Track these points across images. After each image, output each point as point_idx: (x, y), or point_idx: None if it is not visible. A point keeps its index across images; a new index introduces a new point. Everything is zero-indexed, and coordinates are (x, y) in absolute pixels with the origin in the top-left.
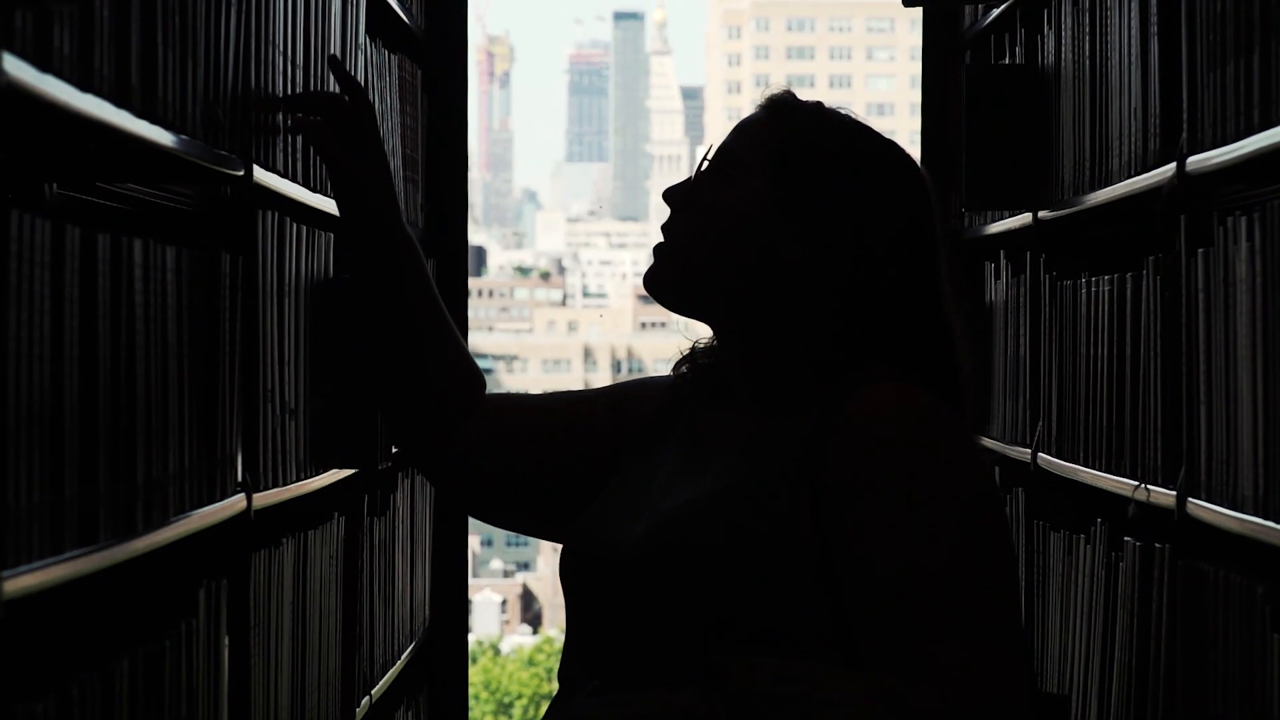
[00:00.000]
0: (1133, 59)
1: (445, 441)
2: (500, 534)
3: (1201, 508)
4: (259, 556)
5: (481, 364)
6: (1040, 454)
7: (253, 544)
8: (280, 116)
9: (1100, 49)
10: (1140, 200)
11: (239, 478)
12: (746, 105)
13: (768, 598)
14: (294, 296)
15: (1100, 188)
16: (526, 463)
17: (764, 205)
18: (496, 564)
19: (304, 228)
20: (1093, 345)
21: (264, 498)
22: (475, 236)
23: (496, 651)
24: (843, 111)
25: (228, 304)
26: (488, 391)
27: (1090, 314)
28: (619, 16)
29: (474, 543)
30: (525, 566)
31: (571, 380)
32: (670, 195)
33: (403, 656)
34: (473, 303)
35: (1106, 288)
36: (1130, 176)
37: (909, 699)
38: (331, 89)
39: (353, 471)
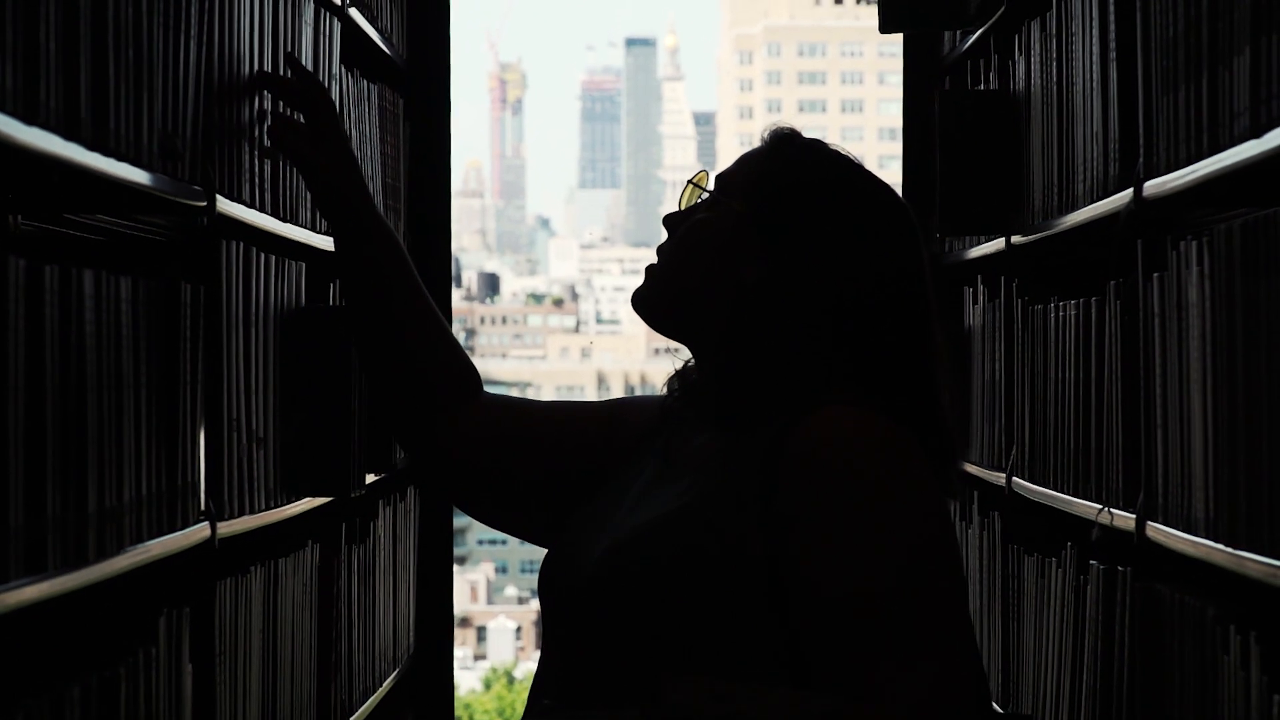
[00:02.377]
0: (1093, 84)
1: (435, 432)
2: (515, 561)
3: (1159, 531)
4: (225, 584)
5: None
6: (1014, 478)
7: (217, 572)
8: (246, 128)
9: (1065, 74)
10: (1103, 225)
11: (202, 506)
12: (759, 130)
13: (718, 618)
14: (262, 326)
15: (1067, 213)
16: (518, 464)
17: (736, 227)
18: (511, 590)
19: (272, 257)
20: (1061, 369)
21: (230, 526)
22: (488, 264)
23: (511, 679)
24: (840, 151)
25: (188, 334)
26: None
27: (1058, 338)
28: (631, 43)
29: (488, 569)
30: None
31: None
32: (668, 220)
33: (384, 684)
34: (486, 329)
35: (1073, 312)
36: (1093, 201)
37: (849, 718)
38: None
39: (327, 500)
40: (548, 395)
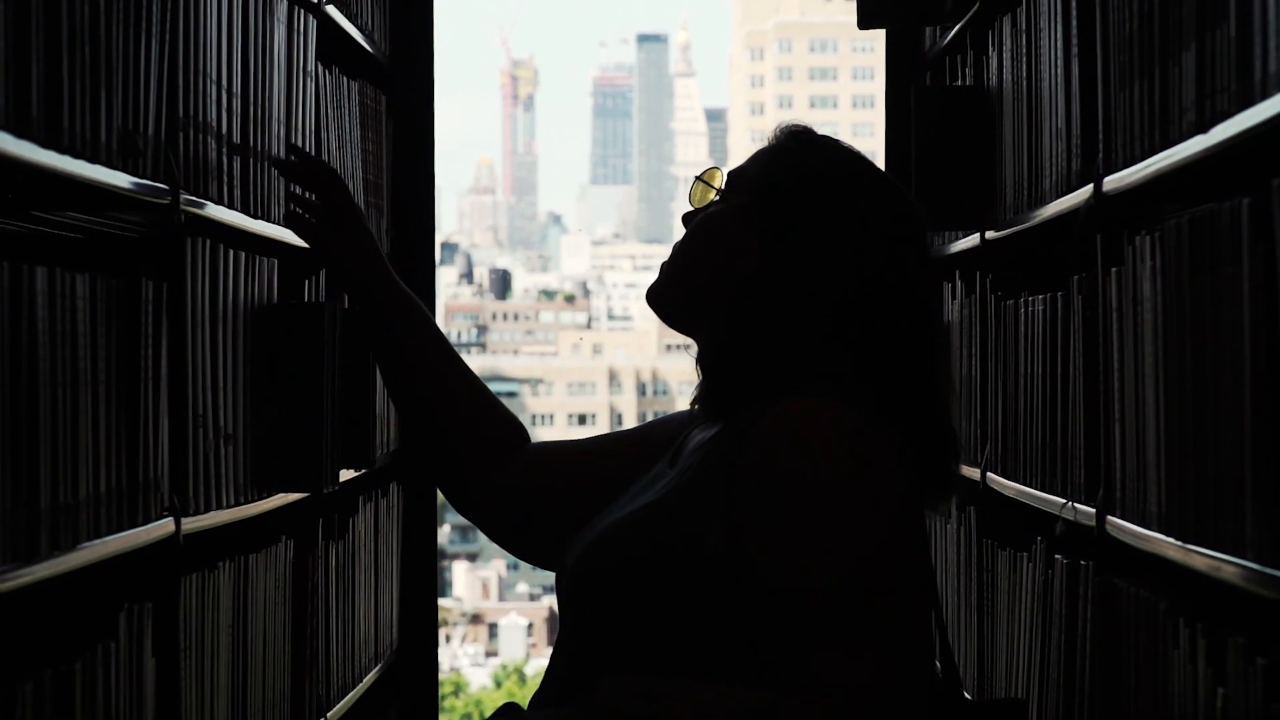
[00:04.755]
0: (1058, 80)
1: (470, 489)
2: None
3: (1117, 525)
4: (191, 580)
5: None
6: (989, 473)
7: (183, 567)
8: (214, 126)
9: (1033, 70)
10: (1067, 220)
11: (166, 502)
12: (770, 126)
13: (685, 611)
14: (231, 322)
15: (1036, 208)
16: (559, 508)
17: (738, 220)
18: (523, 587)
19: (242, 254)
20: (1029, 364)
21: (196, 521)
22: (500, 260)
23: (522, 676)
24: (851, 148)
25: (151, 331)
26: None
27: (1027, 333)
28: (643, 39)
29: (500, 566)
30: (552, 589)
31: (596, 402)
32: (684, 217)
33: (365, 679)
34: (497, 326)
35: (1039, 307)
36: (1059, 196)
37: (783, 711)
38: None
39: (303, 496)
40: (559, 392)
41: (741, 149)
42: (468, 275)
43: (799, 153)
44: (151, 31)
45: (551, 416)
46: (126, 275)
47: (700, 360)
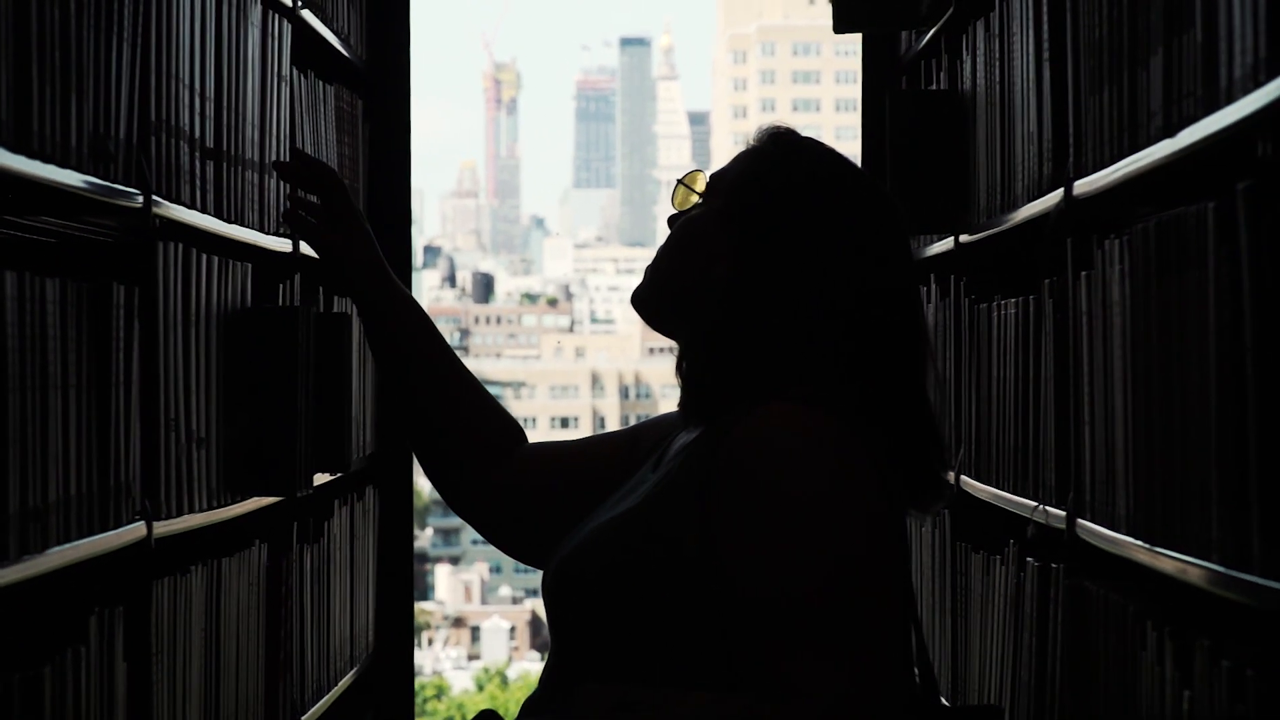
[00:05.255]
0: (1029, 84)
1: (468, 489)
2: (509, 561)
3: (1086, 528)
4: (163, 584)
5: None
6: (963, 476)
7: (154, 571)
8: (186, 131)
9: (1005, 75)
10: (1039, 224)
11: (137, 506)
12: (753, 130)
13: (663, 616)
14: (203, 327)
15: (1009, 212)
16: (553, 508)
17: (717, 223)
18: (505, 591)
19: (215, 259)
20: (1002, 367)
21: (168, 525)
22: (483, 263)
23: (504, 679)
24: (834, 151)
25: (122, 335)
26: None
27: (1000, 336)
28: (625, 42)
29: (482, 570)
30: (534, 593)
31: (579, 406)
32: (669, 220)
33: (341, 683)
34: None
35: (1012, 311)
36: (1031, 200)
37: (757, 718)
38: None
39: (277, 500)
40: (541, 395)
41: (724, 152)
42: (450, 279)
43: (779, 155)
44: (123, 35)
45: (534, 420)
46: (97, 279)
47: (680, 364)
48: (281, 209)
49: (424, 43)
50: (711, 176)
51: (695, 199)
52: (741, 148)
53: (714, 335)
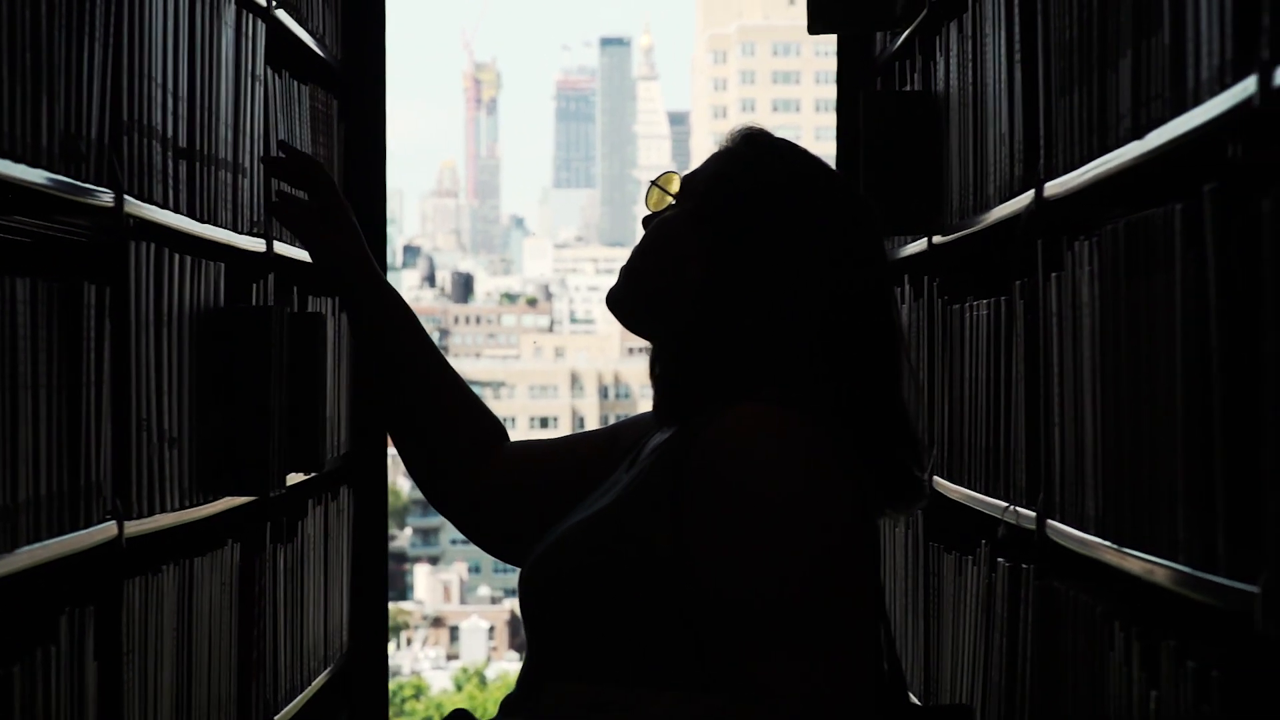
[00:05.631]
0: (1001, 86)
1: (452, 488)
2: (488, 561)
3: (1056, 528)
4: (134, 583)
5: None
6: (935, 477)
7: (125, 571)
8: (159, 130)
9: (978, 76)
10: (1011, 225)
11: (108, 505)
12: (730, 130)
13: (635, 616)
14: (176, 326)
15: (981, 213)
16: (534, 506)
17: (690, 224)
18: (484, 591)
19: (188, 258)
20: (974, 368)
21: (139, 525)
22: (462, 263)
23: (483, 679)
24: (807, 151)
25: (94, 335)
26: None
27: (972, 337)
28: (606, 42)
29: (461, 569)
30: (513, 593)
31: (559, 406)
32: (644, 221)
33: (315, 682)
34: (460, 329)
35: (984, 312)
36: (1002, 201)
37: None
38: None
39: (250, 499)
40: (521, 395)
41: (704, 152)
42: (430, 278)
43: (752, 156)
44: (95, 35)
45: (514, 420)
46: (68, 279)
47: (654, 364)
48: (255, 208)
49: (404, 42)
50: (685, 178)
51: (669, 200)
52: (718, 148)
53: (688, 336)
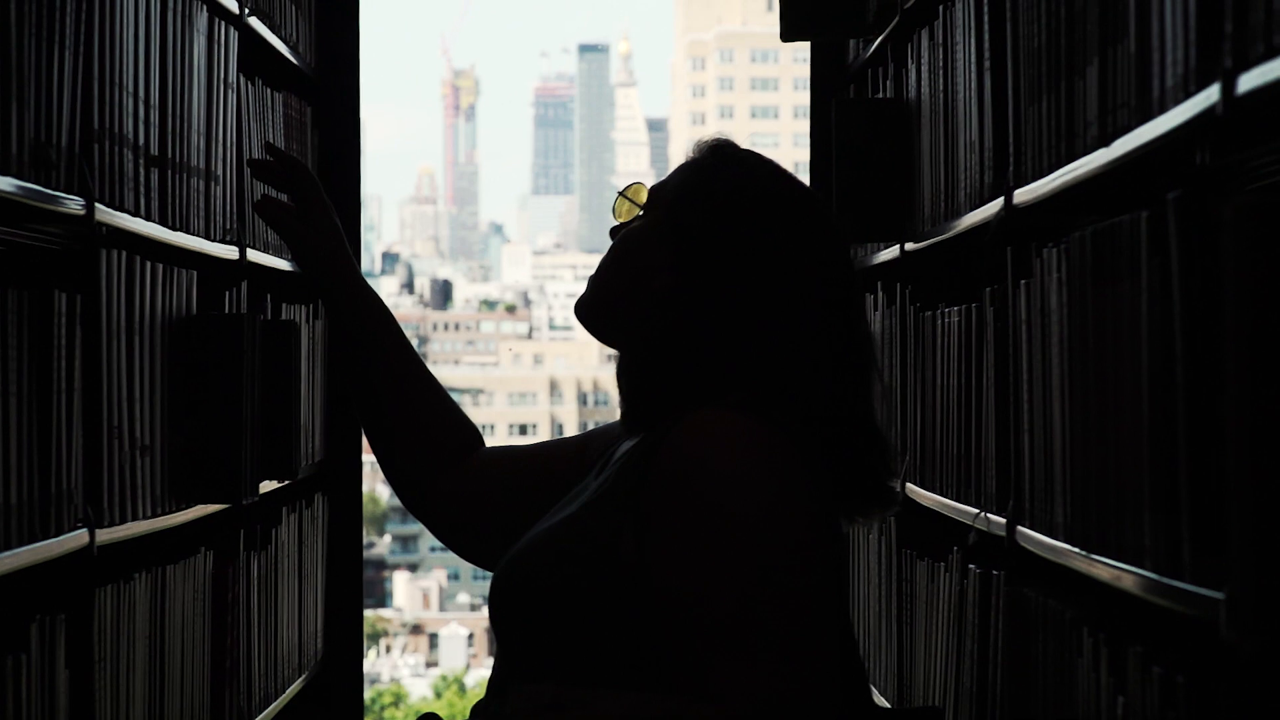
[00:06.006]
0: (971, 93)
1: (424, 488)
2: (467, 568)
3: (1026, 535)
4: (106, 591)
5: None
6: (908, 483)
7: (96, 579)
8: (130, 138)
9: (949, 83)
10: (981, 232)
11: (79, 513)
12: (709, 136)
13: (597, 624)
14: (147, 334)
15: (952, 220)
16: (506, 512)
17: (655, 235)
18: (464, 598)
19: (159, 266)
20: (946, 375)
21: (111, 533)
22: (441, 270)
23: (462, 687)
24: (772, 162)
25: (64, 343)
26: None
27: (944, 344)
28: (584, 49)
29: (440, 576)
30: None
31: (538, 413)
32: (611, 231)
33: (289, 690)
34: (439, 336)
35: (955, 319)
36: (973, 208)
37: (685, 718)
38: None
39: (222, 507)
40: (500, 402)
41: (682, 159)
42: (408, 285)
43: (719, 167)
44: (65, 43)
45: (493, 427)
46: (39, 287)
47: (621, 373)
48: (229, 216)
49: (382, 49)
50: (652, 189)
51: (637, 211)
52: (686, 159)
53: (655, 344)
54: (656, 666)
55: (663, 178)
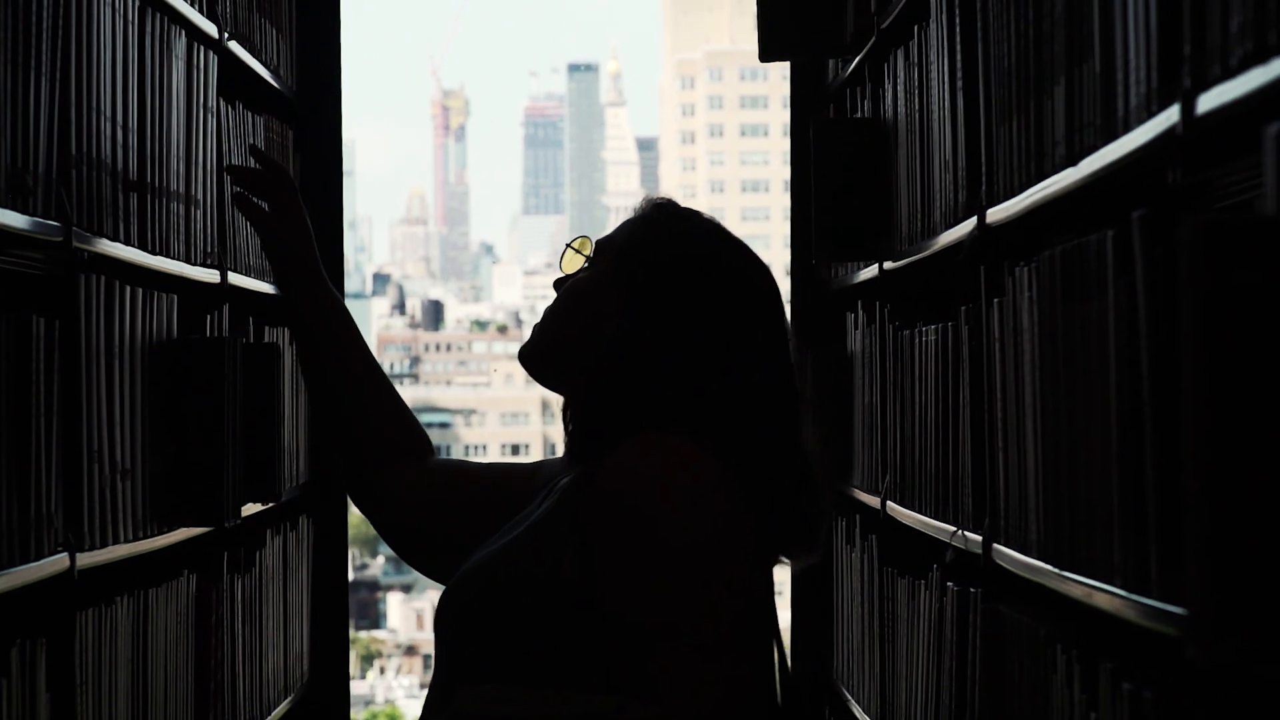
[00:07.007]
0: (945, 113)
1: (375, 493)
2: None
3: (1001, 553)
4: (87, 615)
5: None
6: (888, 502)
7: (77, 602)
8: (109, 164)
9: (924, 103)
10: (955, 251)
11: (60, 538)
12: (701, 155)
13: (539, 647)
14: (128, 358)
15: (928, 239)
16: (452, 522)
17: (605, 284)
18: None
19: (139, 290)
20: (923, 394)
21: (91, 557)
22: (432, 290)
23: None
24: (713, 221)
25: (43, 368)
26: (438, 451)
27: (921, 363)
28: (573, 68)
29: (434, 597)
30: None
31: (530, 432)
32: (555, 283)
33: (275, 712)
34: (430, 356)
35: (932, 337)
36: (949, 227)
37: (627, 715)
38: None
39: (205, 530)
40: (492, 422)
41: (673, 178)
42: (400, 306)
43: (663, 222)
44: (42, 69)
45: (485, 446)
46: (17, 312)
47: (565, 414)
48: (209, 239)
49: (371, 70)
50: (599, 242)
51: (582, 263)
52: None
53: (602, 386)
54: (600, 675)
55: (605, 234)
